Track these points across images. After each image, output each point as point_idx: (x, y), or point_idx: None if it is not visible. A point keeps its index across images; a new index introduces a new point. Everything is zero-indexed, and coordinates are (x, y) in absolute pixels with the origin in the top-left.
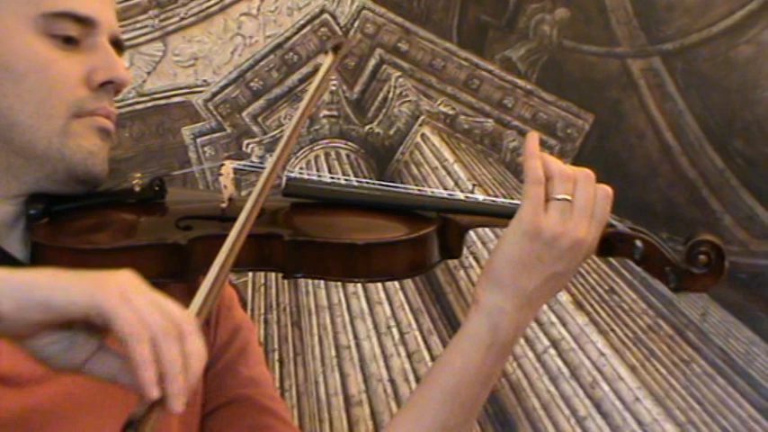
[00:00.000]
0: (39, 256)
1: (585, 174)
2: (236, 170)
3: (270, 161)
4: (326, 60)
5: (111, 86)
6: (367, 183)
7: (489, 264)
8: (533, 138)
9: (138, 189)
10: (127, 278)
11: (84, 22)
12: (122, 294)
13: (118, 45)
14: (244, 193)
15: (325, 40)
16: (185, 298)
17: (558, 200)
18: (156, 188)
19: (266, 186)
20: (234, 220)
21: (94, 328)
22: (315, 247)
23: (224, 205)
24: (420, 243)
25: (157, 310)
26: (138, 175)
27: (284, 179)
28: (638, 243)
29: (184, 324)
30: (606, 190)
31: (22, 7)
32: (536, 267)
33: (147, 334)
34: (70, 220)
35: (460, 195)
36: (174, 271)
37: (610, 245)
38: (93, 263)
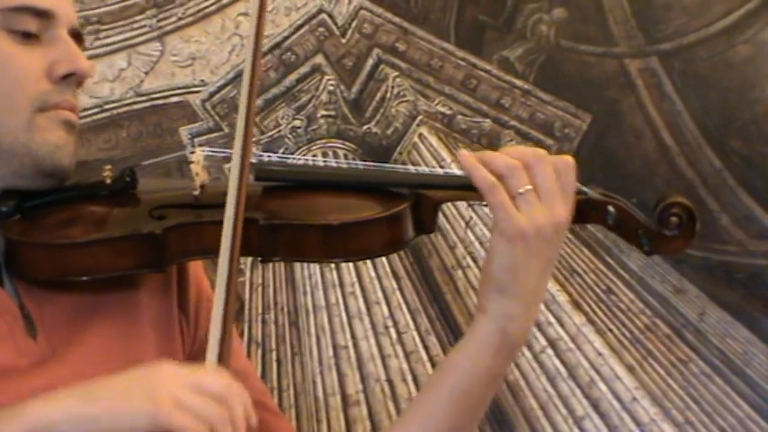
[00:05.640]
0: (13, 253)
1: (536, 155)
2: (207, 157)
3: (236, 140)
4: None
5: (73, 78)
6: (338, 163)
7: (486, 273)
8: (464, 153)
9: (109, 181)
10: (171, 378)
11: (43, 15)
12: (176, 402)
13: (78, 37)
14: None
15: (322, 40)
16: (162, 287)
17: (522, 193)
18: (128, 179)
19: (243, 172)
20: (207, 207)
21: None
22: (291, 229)
23: (196, 193)
24: (395, 220)
25: (206, 400)
26: (109, 167)
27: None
28: (611, 209)
29: (230, 395)
30: (566, 160)
31: None
32: (531, 264)
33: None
34: (43, 216)
35: (437, 171)
36: (149, 261)
37: (582, 212)
38: (69, 257)
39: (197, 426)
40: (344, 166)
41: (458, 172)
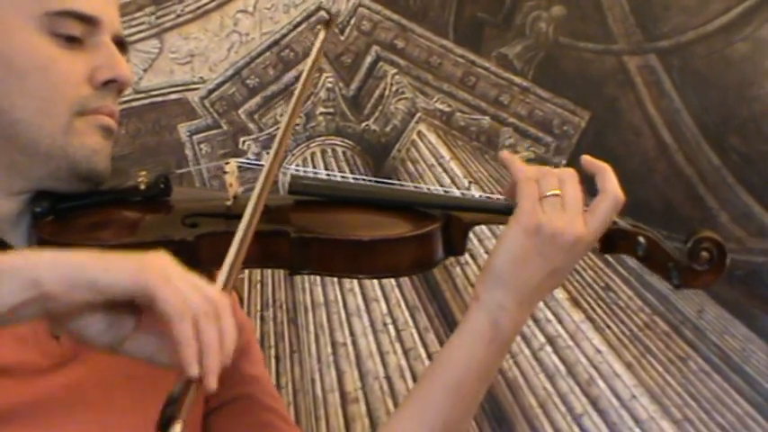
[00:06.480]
0: None
1: (569, 173)
2: (240, 168)
3: (270, 154)
4: (319, 36)
5: (114, 85)
6: (371, 180)
7: (490, 261)
8: (504, 152)
9: (143, 187)
10: (166, 261)
11: (88, 21)
12: (165, 275)
13: (121, 44)
14: (243, 190)
15: None
16: None
17: (548, 196)
18: (162, 185)
19: (269, 176)
20: (239, 217)
21: (130, 309)
22: (321, 243)
23: (229, 203)
24: (425, 240)
25: (197, 291)
26: (144, 172)
27: (288, 177)
28: (641, 239)
29: (220, 304)
30: (618, 195)
31: (26, 6)
32: (536, 263)
33: (189, 313)
34: (76, 218)
35: (469, 193)
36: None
37: (612, 242)
38: None
39: (180, 304)
40: (378, 183)
41: (482, 195)
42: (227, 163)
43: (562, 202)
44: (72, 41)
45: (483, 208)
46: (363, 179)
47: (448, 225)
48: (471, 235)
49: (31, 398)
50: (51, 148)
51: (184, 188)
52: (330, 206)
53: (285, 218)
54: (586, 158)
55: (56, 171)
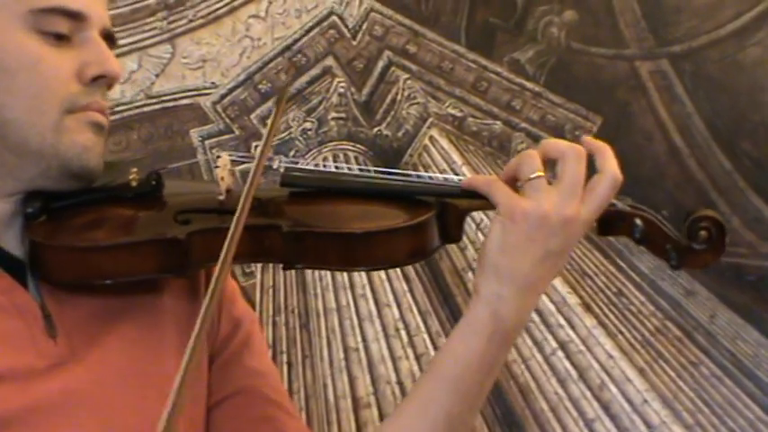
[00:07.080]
0: (37, 255)
1: (573, 151)
2: (232, 162)
3: (259, 149)
4: (273, 111)
5: (103, 81)
6: (364, 170)
7: (482, 253)
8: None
9: (134, 184)
10: None
11: (74, 16)
12: None
13: (110, 38)
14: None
15: (333, 42)
16: (189, 291)
17: (531, 179)
18: (154, 182)
19: (252, 185)
20: (232, 212)
21: None
22: (314, 237)
23: (222, 198)
24: (419, 229)
25: None
26: (135, 169)
27: (280, 169)
28: (638, 221)
29: None
30: (615, 176)
31: (12, 4)
32: (528, 248)
33: None
34: (68, 218)
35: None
36: (173, 266)
37: (609, 223)
38: (93, 260)
39: None
40: (371, 173)
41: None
42: (218, 157)
43: (551, 185)
44: (59, 38)
45: (478, 194)
46: (359, 168)
47: (443, 213)
48: (481, 237)
49: (28, 403)
50: (42, 146)
51: (177, 182)
52: (324, 198)
53: (278, 211)
54: (586, 139)
55: (47, 170)
